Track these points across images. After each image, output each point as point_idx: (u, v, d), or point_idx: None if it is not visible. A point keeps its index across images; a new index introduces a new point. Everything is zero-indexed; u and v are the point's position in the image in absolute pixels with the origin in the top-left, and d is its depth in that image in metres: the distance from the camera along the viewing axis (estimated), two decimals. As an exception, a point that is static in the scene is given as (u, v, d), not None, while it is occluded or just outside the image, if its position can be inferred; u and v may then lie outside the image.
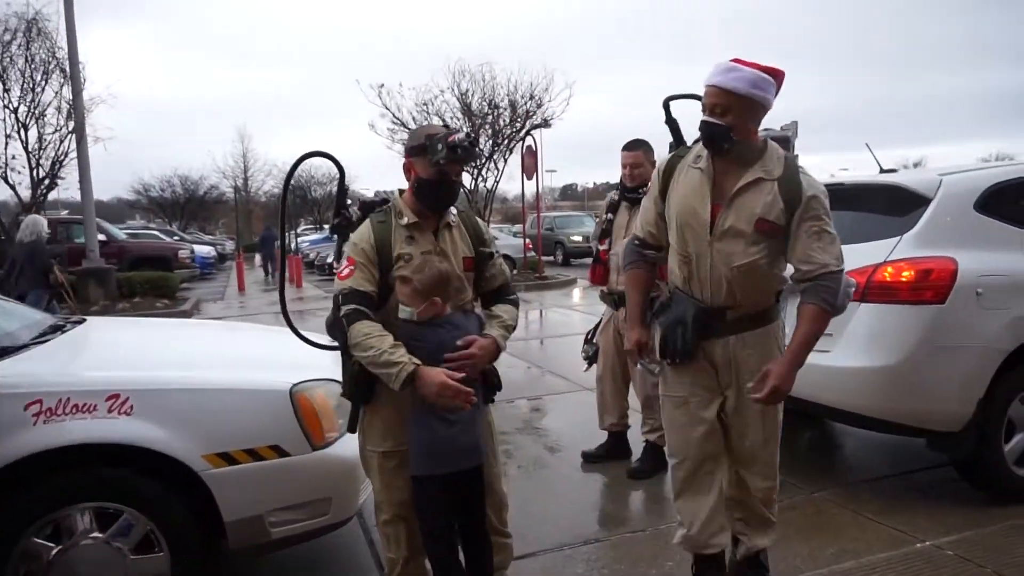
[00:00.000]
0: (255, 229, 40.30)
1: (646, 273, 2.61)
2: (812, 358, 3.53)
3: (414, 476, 2.17)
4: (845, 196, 3.86)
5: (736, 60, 2.27)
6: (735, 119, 2.23)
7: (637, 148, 3.86)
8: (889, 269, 3.32)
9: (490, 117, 15.35)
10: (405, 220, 2.23)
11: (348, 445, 2.62)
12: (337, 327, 2.19)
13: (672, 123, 3.02)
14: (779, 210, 2.28)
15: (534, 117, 15.42)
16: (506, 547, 2.43)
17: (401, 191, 2.32)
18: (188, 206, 41.80)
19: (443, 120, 14.77)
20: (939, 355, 3.22)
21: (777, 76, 2.28)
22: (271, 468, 2.45)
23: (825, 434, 4.63)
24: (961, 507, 3.31)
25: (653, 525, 3.29)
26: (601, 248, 3.96)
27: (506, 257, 17.27)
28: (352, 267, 2.15)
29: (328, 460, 2.55)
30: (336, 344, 2.31)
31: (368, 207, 2.33)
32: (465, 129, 2.33)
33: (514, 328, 2.36)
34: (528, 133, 15.51)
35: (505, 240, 18.57)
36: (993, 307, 3.22)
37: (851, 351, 3.35)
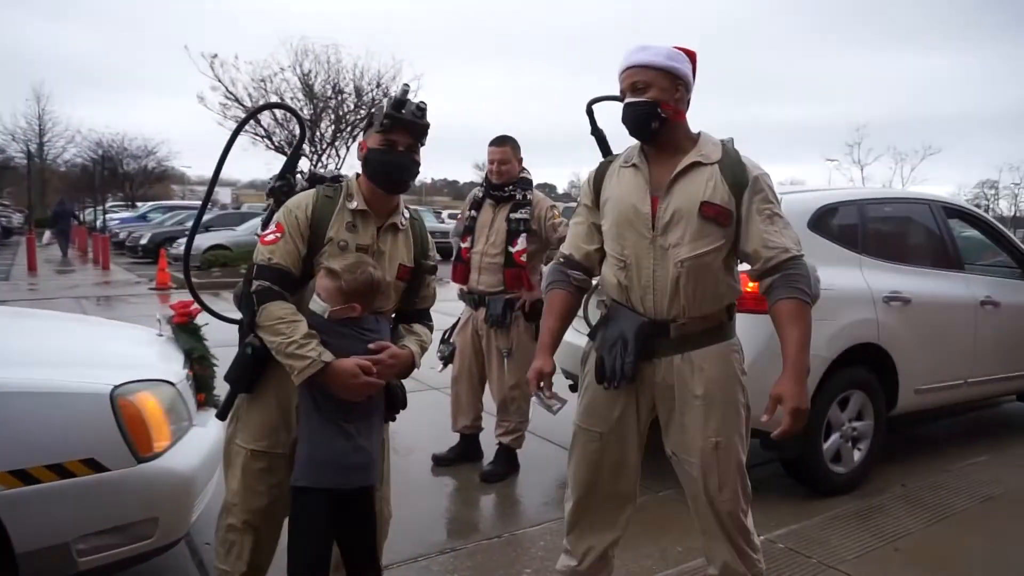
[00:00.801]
0: (50, 201, 35.71)
1: (568, 296, 2.24)
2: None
3: (296, 487, 1.93)
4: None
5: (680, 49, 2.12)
6: (659, 93, 2.04)
7: (504, 144, 3.75)
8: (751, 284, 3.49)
9: (333, 102, 14.66)
10: (354, 204, 2.04)
11: (182, 455, 2.30)
12: (245, 302, 1.98)
13: (598, 133, 2.78)
14: (724, 193, 2.04)
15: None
16: None
17: (358, 175, 2.12)
18: (-38, 170, 36.13)
19: (281, 98, 13.89)
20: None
21: (690, 55, 2.13)
22: (83, 487, 2.06)
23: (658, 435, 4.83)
24: (787, 501, 3.58)
25: (508, 530, 3.23)
26: (463, 246, 3.84)
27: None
28: (279, 235, 1.99)
29: (156, 474, 2.20)
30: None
31: (317, 179, 2.16)
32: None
33: (427, 350, 2.23)
34: (373, 121, 15.04)
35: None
36: (822, 318, 3.50)
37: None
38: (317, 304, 1.96)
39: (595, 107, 2.80)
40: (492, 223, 3.75)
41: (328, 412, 1.93)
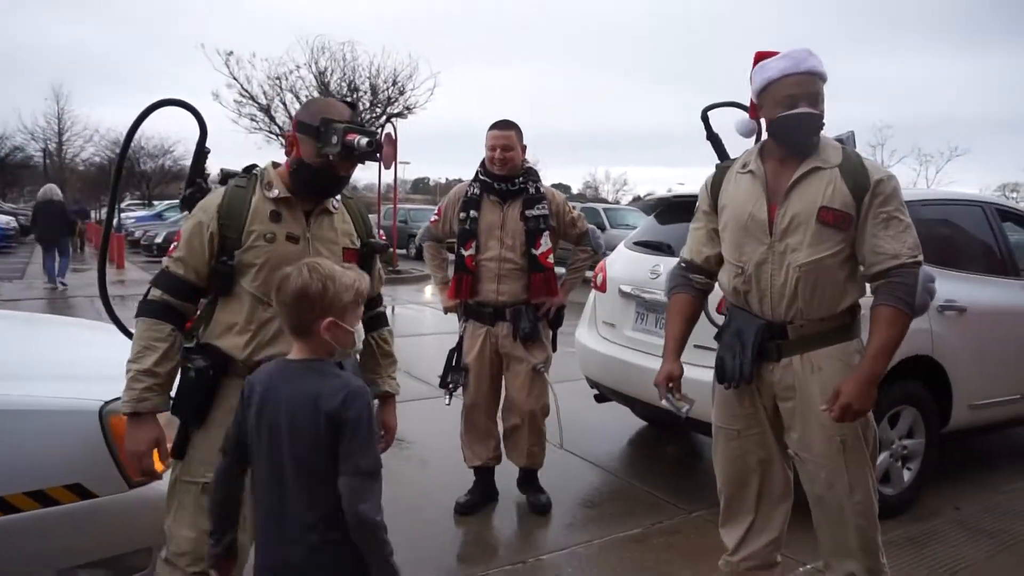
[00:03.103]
0: (68, 200, 35.93)
1: (691, 299, 2.32)
2: (700, 374, 3.48)
3: None
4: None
5: (761, 53, 2.10)
6: (821, 104, 2.05)
7: (509, 128, 3.24)
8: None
9: (349, 100, 14.54)
10: (275, 192, 1.82)
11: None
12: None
13: (714, 138, 2.73)
14: (845, 198, 2.01)
15: (395, 104, 14.81)
16: None
17: (275, 164, 1.90)
18: (-19, 169, 36.36)
19: (297, 96, 13.76)
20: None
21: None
22: (67, 515, 1.86)
23: (691, 450, 4.59)
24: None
25: (533, 555, 3.00)
26: (466, 254, 3.24)
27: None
28: (177, 243, 1.81)
29: (150, 501, 1.97)
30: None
31: (229, 175, 1.91)
32: (373, 128, 1.93)
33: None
34: (389, 120, 14.87)
35: (357, 230, 17.76)
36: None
37: None
38: (344, 355, 1.60)
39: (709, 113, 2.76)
40: (504, 224, 3.22)
41: None
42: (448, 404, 3.35)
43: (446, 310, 3.53)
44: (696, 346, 3.48)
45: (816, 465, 2.11)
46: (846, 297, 2.09)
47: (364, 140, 1.75)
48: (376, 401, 2.04)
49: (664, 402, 2.31)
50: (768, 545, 2.27)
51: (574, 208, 3.42)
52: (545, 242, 3.23)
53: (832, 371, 2.06)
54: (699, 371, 3.44)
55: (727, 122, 2.47)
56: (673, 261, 3.56)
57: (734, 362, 2.13)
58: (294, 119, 1.87)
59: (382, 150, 1.89)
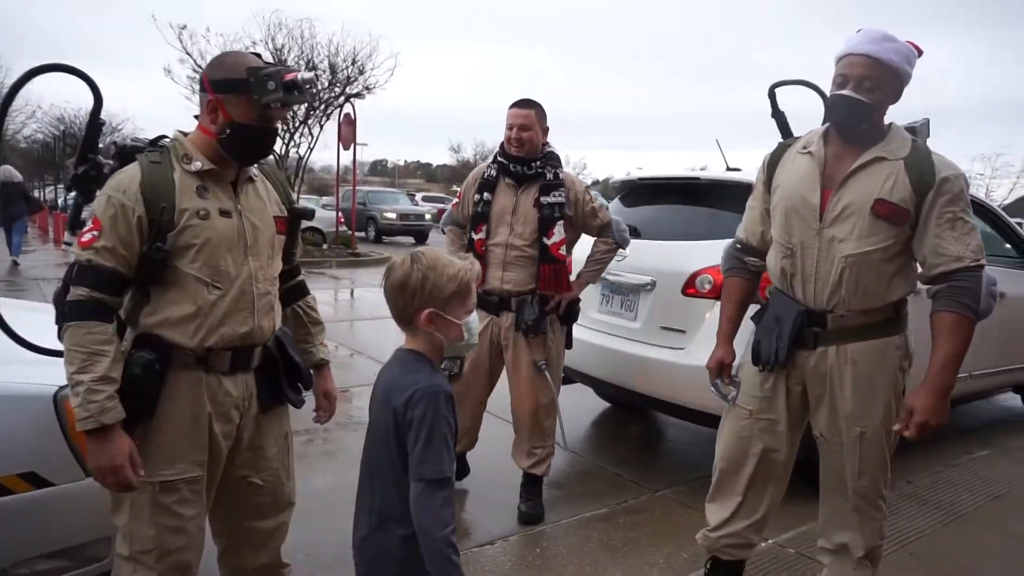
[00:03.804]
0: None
1: (745, 283, 2.30)
2: (664, 355, 3.53)
3: None
4: (701, 192, 3.84)
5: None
6: (881, 96, 1.96)
7: (529, 107, 3.06)
8: (742, 267, 3.30)
9: (312, 87, 14.18)
10: (197, 166, 1.68)
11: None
12: (58, 314, 1.62)
13: (779, 115, 2.66)
14: (905, 193, 1.94)
15: (355, 84, 14.50)
16: None
17: (185, 133, 1.75)
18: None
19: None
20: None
21: (919, 53, 2.02)
22: (22, 505, 1.78)
23: (655, 429, 4.65)
24: (794, 502, 3.37)
25: (502, 537, 3.00)
26: (476, 237, 3.10)
27: (316, 231, 15.98)
28: (97, 232, 1.57)
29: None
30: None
31: (127, 152, 1.70)
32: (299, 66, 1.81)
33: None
34: (348, 100, 14.57)
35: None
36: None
37: (705, 350, 3.26)
38: (456, 348, 1.53)
39: (777, 90, 2.69)
40: (516, 208, 3.05)
41: None
42: None
43: None
44: (663, 328, 3.53)
45: (835, 447, 2.14)
46: (892, 292, 2.04)
47: (307, 75, 1.66)
48: (311, 371, 1.99)
49: (712, 388, 2.30)
50: (750, 527, 2.31)
51: (596, 198, 3.19)
52: (558, 232, 3.02)
53: (867, 365, 2.05)
54: (662, 351, 3.50)
55: (793, 101, 2.41)
56: (639, 244, 3.60)
57: (770, 346, 2.12)
58: (206, 82, 1.69)
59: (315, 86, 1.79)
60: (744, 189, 3.50)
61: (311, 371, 1.99)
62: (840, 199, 2.01)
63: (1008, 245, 4.60)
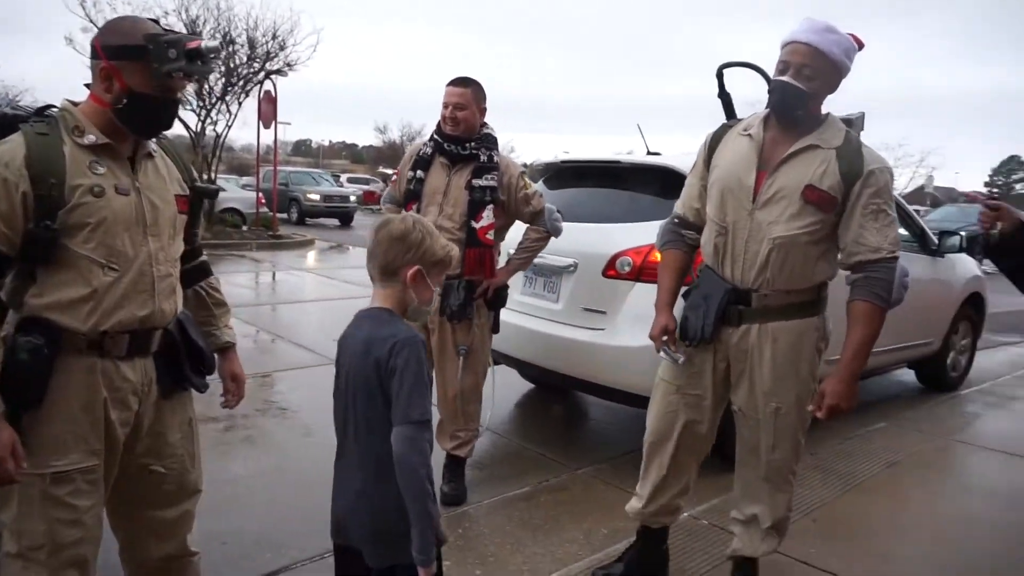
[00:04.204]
0: None
1: (683, 255, 2.37)
2: (585, 336, 3.60)
3: None
4: (623, 175, 3.90)
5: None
6: (820, 85, 2.04)
7: (467, 85, 3.00)
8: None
9: (224, 53, 13.58)
10: (90, 139, 1.57)
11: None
12: None
13: (725, 96, 2.72)
14: (834, 181, 2.04)
15: (275, 60, 14.01)
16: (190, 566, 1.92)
17: (75, 103, 1.62)
18: None
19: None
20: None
21: (860, 47, 2.10)
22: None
23: (576, 408, 4.75)
24: (708, 476, 3.52)
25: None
26: None
27: (236, 212, 15.41)
28: None
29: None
30: None
31: (7, 122, 1.56)
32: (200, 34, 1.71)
33: None
34: (268, 77, 14.07)
35: (233, 192, 16.85)
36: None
37: (625, 330, 3.38)
38: (420, 312, 1.60)
39: (725, 71, 2.77)
40: (447, 189, 3.00)
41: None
42: None
43: None
44: (584, 309, 3.60)
45: (752, 422, 2.26)
46: (815, 275, 2.14)
47: (211, 43, 1.59)
48: (216, 355, 1.93)
49: (661, 353, 2.35)
50: (677, 494, 2.43)
51: (531, 184, 3.14)
52: (487, 216, 2.95)
53: (786, 344, 2.15)
54: (584, 332, 3.57)
55: (739, 82, 2.50)
56: (622, 227, 3.59)
57: (697, 322, 2.20)
58: (98, 47, 1.57)
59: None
60: (663, 173, 3.62)
61: (215, 354, 1.92)
62: (773, 182, 2.10)
63: (905, 232, 4.89)
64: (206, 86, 13.13)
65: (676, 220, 2.39)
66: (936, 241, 4.98)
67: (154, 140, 1.74)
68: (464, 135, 3.00)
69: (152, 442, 1.74)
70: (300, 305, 8.05)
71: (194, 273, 1.92)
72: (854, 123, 2.24)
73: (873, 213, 2.05)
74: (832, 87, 2.10)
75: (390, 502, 1.47)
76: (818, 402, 2.08)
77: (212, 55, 1.59)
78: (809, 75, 2.02)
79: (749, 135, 2.18)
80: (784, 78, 2.03)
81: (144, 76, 1.56)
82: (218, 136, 14.08)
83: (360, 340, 1.53)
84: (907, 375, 5.59)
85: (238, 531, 2.76)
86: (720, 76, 2.74)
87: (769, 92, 2.12)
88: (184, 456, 1.81)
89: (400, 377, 1.44)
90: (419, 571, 1.44)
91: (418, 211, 3.00)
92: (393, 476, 1.44)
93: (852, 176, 2.05)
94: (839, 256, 2.15)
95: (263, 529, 2.80)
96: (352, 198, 20.87)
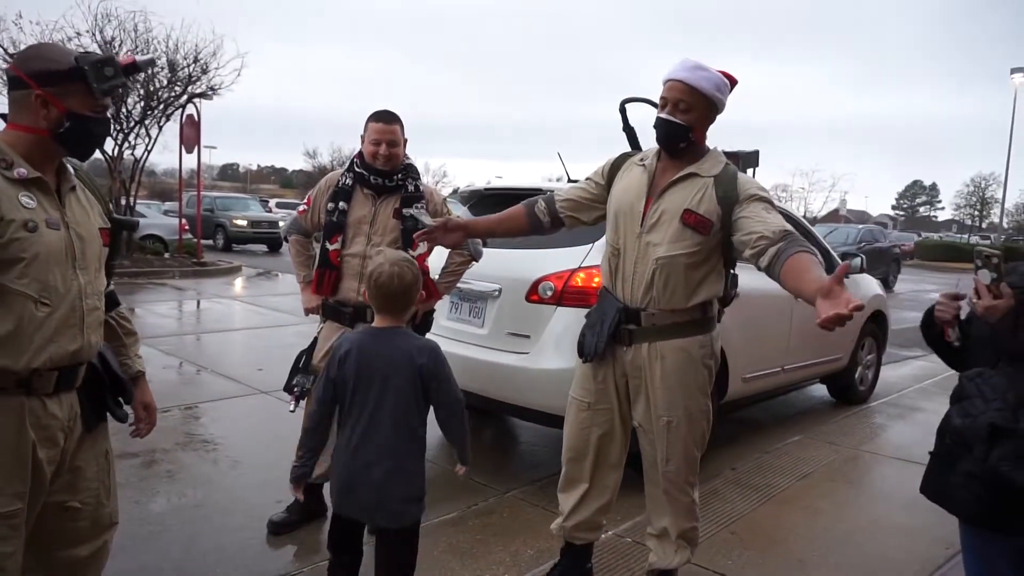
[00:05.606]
0: None
1: (525, 217, 2.55)
2: (510, 360, 3.66)
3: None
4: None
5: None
6: (696, 118, 2.22)
7: (394, 121, 2.99)
8: (581, 275, 3.49)
9: (142, 76, 13.18)
10: (21, 172, 1.54)
11: None
12: None
13: (629, 130, 2.83)
14: (711, 205, 2.21)
15: (197, 84, 13.67)
16: None
17: None
18: None
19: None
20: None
21: (733, 83, 2.28)
22: None
23: (506, 432, 4.78)
24: (632, 495, 3.61)
25: (351, 548, 2.98)
26: (331, 248, 2.99)
27: (157, 238, 14.84)
28: None
29: None
30: None
31: None
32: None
33: None
34: (190, 100, 13.71)
35: (154, 219, 16.29)
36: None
37: (548, 353, 3.46)
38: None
39: (627, 106, 2.90)
40: (375, 219, 2.99)
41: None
42: (293, 411, 2.99)
43: (307, 311, 3.21)
44: (509, 334, 3.66)
45: (648, 436, 2.39)
46: (697, 295, 2.29)
47: (145, 57, 1.64)
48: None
49: (411, 212, 2.64)
50: (599, 510, 2.53)
51: (453, 211, 3.22)
52: (423, 244, 2.94)
53: (674, 362, 2.29)
54: (509, 356, 3.62)
55: (643, 116, 2.62)
56: (486, 252, 3.66)
57: (592, 339, 2.36)
58: (24, 76, 1.55)
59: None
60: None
61: None
62: (658, 207, 2.28)
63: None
64: (124, 109, 12.69)
65: (546, 198, 2.55)
66: (839, 263, 5.28)
67: (72, 171, 1.72)
68: (394, 171, 3.03)
69: (70, 478, 1.69)
70: (225, 334, 7.83)
71: (105, 303, 1.89)
72: (746, 157, 2.42)
73: (765, 209, 2.18)
74: (709, 119, 2.29)
75: (419, 475, 2.09)
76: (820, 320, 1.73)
77: (149, 67, 1.60)
78: (684, 108, 2.21)
79: (643, 165, 2.38)
80: (663, 115, 2.24)
81: (84, 97, 1.58)
82: (137, 161, 13.62)
83: (402, 350, 2.05)
84: (820, 389, 5.87)
85: (155, 568, 2.67)
86: (623, 111, 2.89)
87: (654, 128, 2.29)
88: (99, 489, 1.76)
89: (443, 374, 2.07)
90: (460, 469, 2.24)
91: (343, 242, 3.00)
92: (422, 452, 2.11)
93: (729, 201, 2.21)
94: (751, 251, 2.11)
95: (178, 567, 2.72)
96: (281, 223, 20.43)
